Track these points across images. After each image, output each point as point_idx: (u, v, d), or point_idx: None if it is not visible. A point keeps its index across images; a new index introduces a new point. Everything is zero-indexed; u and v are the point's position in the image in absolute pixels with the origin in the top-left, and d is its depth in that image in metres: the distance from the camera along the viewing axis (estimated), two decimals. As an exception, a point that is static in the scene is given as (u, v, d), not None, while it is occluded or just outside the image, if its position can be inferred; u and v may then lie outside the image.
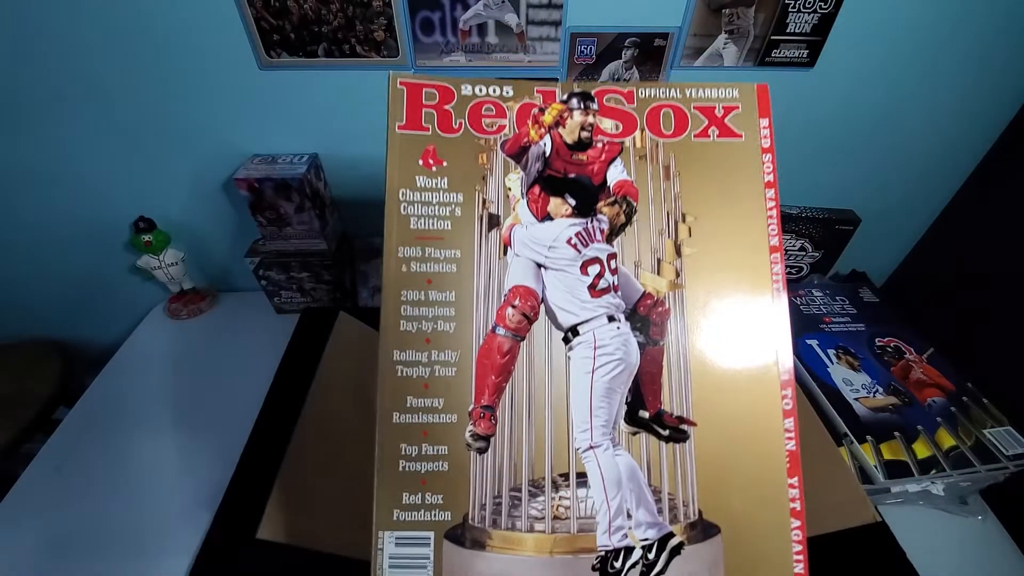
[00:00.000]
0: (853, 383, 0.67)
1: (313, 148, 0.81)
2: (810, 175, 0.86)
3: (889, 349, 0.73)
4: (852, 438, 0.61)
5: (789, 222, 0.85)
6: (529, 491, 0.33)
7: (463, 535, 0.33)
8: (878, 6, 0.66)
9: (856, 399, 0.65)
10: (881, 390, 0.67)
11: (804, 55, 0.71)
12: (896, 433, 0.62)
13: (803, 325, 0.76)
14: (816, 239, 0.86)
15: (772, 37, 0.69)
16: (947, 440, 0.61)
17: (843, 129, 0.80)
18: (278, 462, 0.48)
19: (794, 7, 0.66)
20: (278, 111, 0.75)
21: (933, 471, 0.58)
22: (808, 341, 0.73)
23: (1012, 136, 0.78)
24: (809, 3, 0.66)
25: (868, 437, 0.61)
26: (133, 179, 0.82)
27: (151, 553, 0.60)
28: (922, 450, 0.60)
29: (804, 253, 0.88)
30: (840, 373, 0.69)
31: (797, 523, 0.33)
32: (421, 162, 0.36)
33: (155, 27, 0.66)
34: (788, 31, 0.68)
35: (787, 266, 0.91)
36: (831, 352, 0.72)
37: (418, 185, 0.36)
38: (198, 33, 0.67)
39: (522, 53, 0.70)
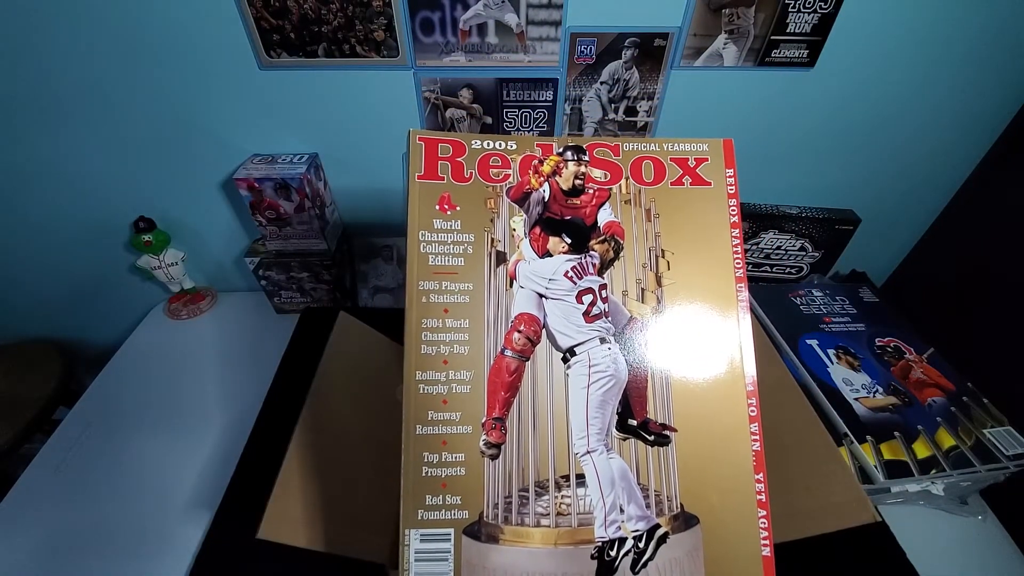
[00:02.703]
0: (853, 383, 0.67)
1: (313, 148, 0.81)
2: (810, 175, 0.86)
3: (889, 349, 0.73)
4: (852, 438, 0.61)
5: (789, 222, 0.85)
6: (535, 491, 0.38)
7: (479, 530, 0.37)
8: (878, 6, 0.66)
9: (856, 399, 0.65)
10: (881, 390, 0.67)
11: (804, 55, 0.71)
12: (896, 433, 0.62)
13: (803, 325, 0.76)
14: (816, 239, 0.86)
15: (772, 37, 0.69)
16: (947, 440, 0.61)
17: (843, 129, 0.80)
18: (278, 462, 0.47)
19: (794, 7, 0.66)
20: (278, 111, 0.76)
21: (933, 471, 0.58)
22: (808, 341, 0.73)
23: (1012, 136, 0.78)
24: (809, 3, 0.66)
25: (868, 437, 0.61)
26: (133, 179, 0.82)
27: (151, 553, 0.60)
28: (922, 450, 0.60)
29: (804, 253, 0.89)
30: (840, 373, 0.69)
31: (763, 513, 0.38)
32: (438, 207, 0.41)
33: (155, 27, 0.66)
34: (788, 31, 0.68)
35: (787, 266, 0.91)
36: (831, 352, 0.72)
37: (435, 227, 0.40)
38: (198, 33, 0.67)
39: (522, 53, 0.70)
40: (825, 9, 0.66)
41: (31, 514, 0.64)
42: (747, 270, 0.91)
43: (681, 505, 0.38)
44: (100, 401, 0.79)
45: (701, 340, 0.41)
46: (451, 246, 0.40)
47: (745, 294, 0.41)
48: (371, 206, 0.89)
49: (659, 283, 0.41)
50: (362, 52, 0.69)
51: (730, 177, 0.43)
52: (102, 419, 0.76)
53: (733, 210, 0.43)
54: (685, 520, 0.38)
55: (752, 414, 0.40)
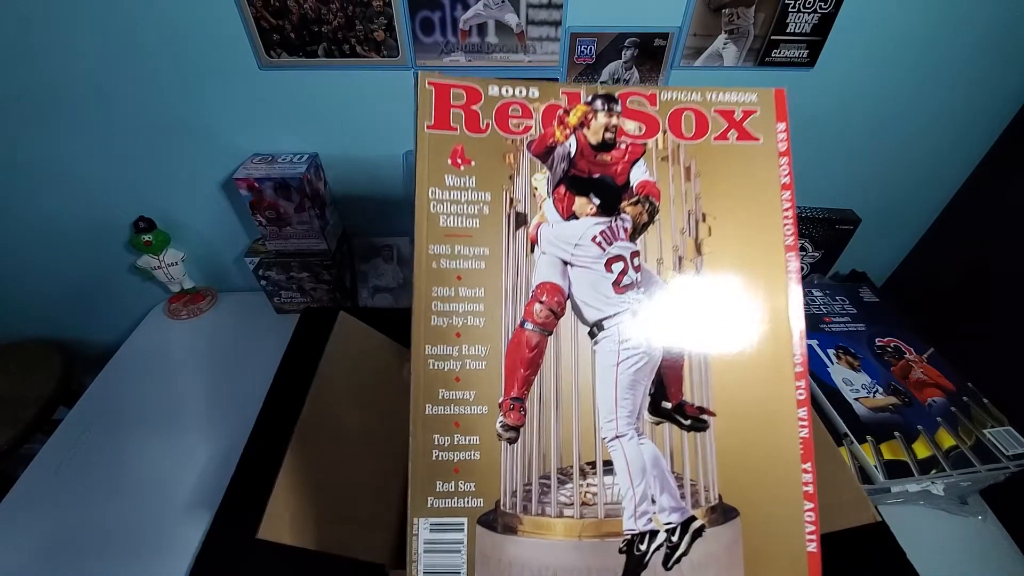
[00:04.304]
0: (853, 383, 0.68)
1: (313, 148, 0.81)
2: (810, 175, 0.86)
3: (889, 349, 0.73)
4: (852, 438, 0.61)
5: (789, 222, 0.85)
6: (558, 478, 0.35)
7: (495, 520, 0.34)
8: (878, 6, 0.66)
9: (856, 399, 0.65)
10: (881, 390, 0.67)
11: (804, 55, 0.71)
12: (896, 433, 0.62)
13: (803, 325, 0.76)
14: (816, 239, 0.86)
15: (772, 37, 0.69)
16: (947, 440, 0.61)
17: (843, 129, 0.80)
18: (278, 462, 0.47)
19: (794, 7, 0.66)
20: (278, 111, 0.76)
21: (933, 471, 0.58)
22: (808, 341, 0.73)
23: (1012, 136, 0.78)
24: (809, 3, 0.66)
25: (868, 437, 0.61)
26: (133, 179, 0.82)
27: (151, 553, 0.60)
28: (922, 450, 0.60)
29: (804, 253, 0.89)
30: (840, 373, 0.69)
31: (810, 505, 0.35)
32: (450, 161, 0.36)
33: (154, 27, 0.66)
34: (788, 31, 0.68)
35: (787, 266, 0.91)
36: (831, 352, 0.72)
37: (447, 184, 0.36)
38: (198, 33, 0.67)
39: (522, 53, 0.70)
40: (825, 9, 0.66)
41: (31, 514, 0.64)
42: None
43: (719, 496, 0.35)
44: (100, 401, 0.79)
45: (745, 314, 0.36)
46: (465, 205, 0.36)
47: (796, 263, 0.37)
48: (371, 206, 0.89)
49: (699, 251, 0.37)
50: (362, 52, 0.69)
51: (781, 132, 0.39)
52: (102, 419, 0.76)
53: (784, 169, 0.38)
54: (723, 512, 0.35)
55: (801, 397, 0.36)
